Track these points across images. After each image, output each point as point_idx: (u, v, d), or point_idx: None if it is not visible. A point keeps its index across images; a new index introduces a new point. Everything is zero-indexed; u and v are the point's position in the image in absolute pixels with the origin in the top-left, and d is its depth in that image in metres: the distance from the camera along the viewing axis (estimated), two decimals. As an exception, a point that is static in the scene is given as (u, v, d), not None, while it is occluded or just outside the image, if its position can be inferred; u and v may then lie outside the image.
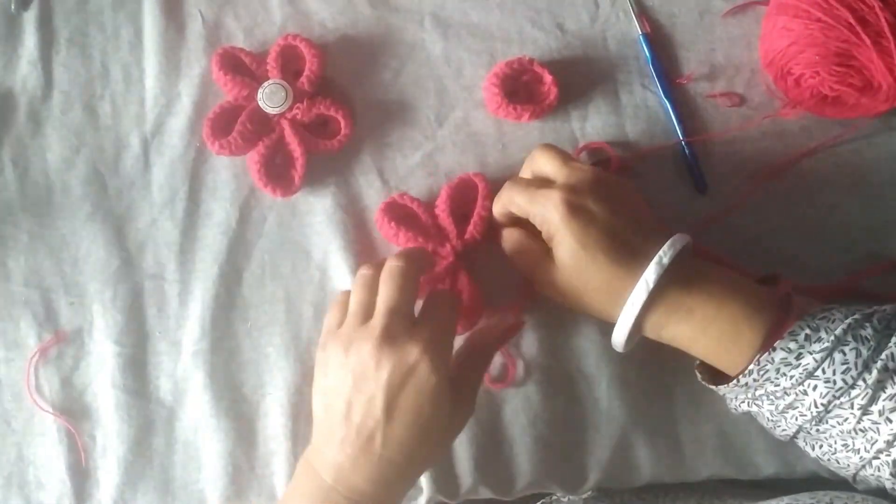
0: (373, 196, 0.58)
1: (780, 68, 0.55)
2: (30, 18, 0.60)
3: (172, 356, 0.56)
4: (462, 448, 0.54)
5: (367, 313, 0.47)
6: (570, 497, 0.56)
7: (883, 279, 0.56)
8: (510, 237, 0.52)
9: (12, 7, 0.60)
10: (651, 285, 0.45)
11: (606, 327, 0.55)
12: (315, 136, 0.57)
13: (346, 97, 0.60)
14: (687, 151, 0.58)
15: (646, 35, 0.60)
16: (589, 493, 0.55)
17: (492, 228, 0.55)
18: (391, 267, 0.47)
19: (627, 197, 0.49)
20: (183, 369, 0.56)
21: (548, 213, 0.47)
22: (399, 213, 0.56)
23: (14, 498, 0.54)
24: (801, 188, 0.58)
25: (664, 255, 0.45)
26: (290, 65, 0.59)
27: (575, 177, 0.48)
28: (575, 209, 0.46)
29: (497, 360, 0.56)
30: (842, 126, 0.58)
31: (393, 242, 0.56)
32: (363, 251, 0.57)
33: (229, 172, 0.58)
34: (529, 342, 0.56)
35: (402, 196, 0.55)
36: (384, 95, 0.60)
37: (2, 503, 0.54)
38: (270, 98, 0.57)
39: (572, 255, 0.47)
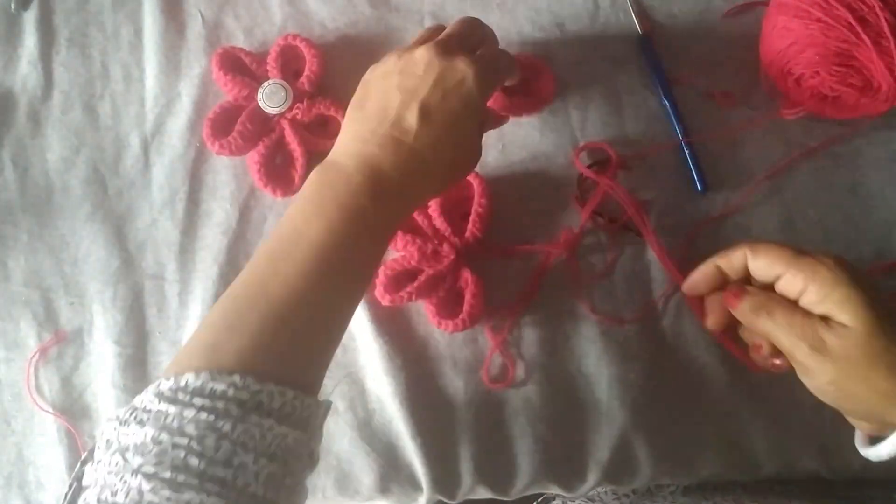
0: (373, 196, 0.58)
1: (780, 68, 0.55)
2: (30, 18, 0.60)
3: (172, 356, 0.56)
4: (462, 448, 0.54)
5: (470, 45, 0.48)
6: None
7: (883, 279, 0.56)
8: (766, 302, 0.44)
9: (12, 7, 0.60)
10: None
11: (606, 327, 0.55)
12: (315, 136, 0.57)
13: (346, 97, 0.59)
14: (687, 151, 0.58)
15: (646, 35, 0.60)
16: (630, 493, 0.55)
17: (491, 228, 0.55)
18: (469, 16, 0.50)
19: None
20: (183, 369, 0.56)
21: (819, 269, 0.41)
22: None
23: (14, 498, 0.54)
24: (801, 188, 0.58)
25: None
26: (290, 65, 0.59)
27: (831, 253, 0.42)
28: (854, 268, 0.41)
29: (496, 360, 0.56)
30: (842, 126, 0.58)
31: (392, 248, 0.56)
32: (363, 251, 0.57)
33: (229, 172, 0.58)
34: (529, 342, 0.56)
35: None
36: (384, 95, 0.60)
37: (2, 503, 0.54)
38: (270, 98, 0.57)
39: (870, 316, 0.40)
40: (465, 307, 0.53)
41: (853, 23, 0.51)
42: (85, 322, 0.56)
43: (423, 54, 0.46)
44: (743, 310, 0.45)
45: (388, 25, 0.61)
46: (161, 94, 0.59)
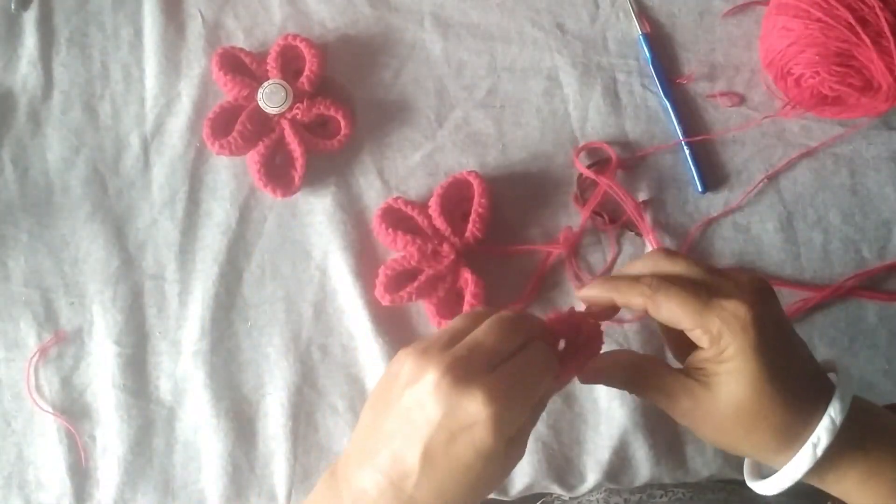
0: (373, 196, 0.58)
1: (780, 68, 0.55)
2: (30, 18, 0.60)
3: (172, 356, 0.56)
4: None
5: (459, 340, 0.39)
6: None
7: (883, 279, 0.56)
8: (643, 370, 0.41)
9: (12, 7, 0.60)
10: (824, 446, 0.38)
11: (606, 327, 0.55)
12: (315, 136, 0.57)
13: (346, 97, 0.60)
14: (687, 151, 0.58)
15: (646, 35, 0.60)
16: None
17: (491, 229, 0.55)
18: (507, 315, 0.39)
19: (786, 317, 0.41)
20: (183, 369, 0.56)
21: (728, 329, 0.37)
22: (395, 217, 0.56)
23: (14, 498, 0.54)
24: (801, 188, 0.58)
25: (843, 398, 0.38)
26: (290, 65, 0.59)
27: (751, 285, 0.39)
28: (764, 328, 0.38)
29: (497, 360, 0.56)
30: (842, 126, 0.58)
31: (392, 248, 0.56)
32: (363, 251, 0.57)
33: (229, 172, 0.58)
34: (529, 342, 0.56)
35: (396, 200, 0.55)
36: (384, 95, 0.60)
37: (2, 503, 0.54)
38: (270, 98, 0.57)
39: (755, 388, 0.37)
40: (465, 307, 0.53)
41: (853, 23, 0.51)
42: (85, 322, 0.56)
43: (431, 378, 0.36)
44: (612, 385, 0.43)
45: (388, 25, 0.61)
46: (161, 94, 0.59)
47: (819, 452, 0.38)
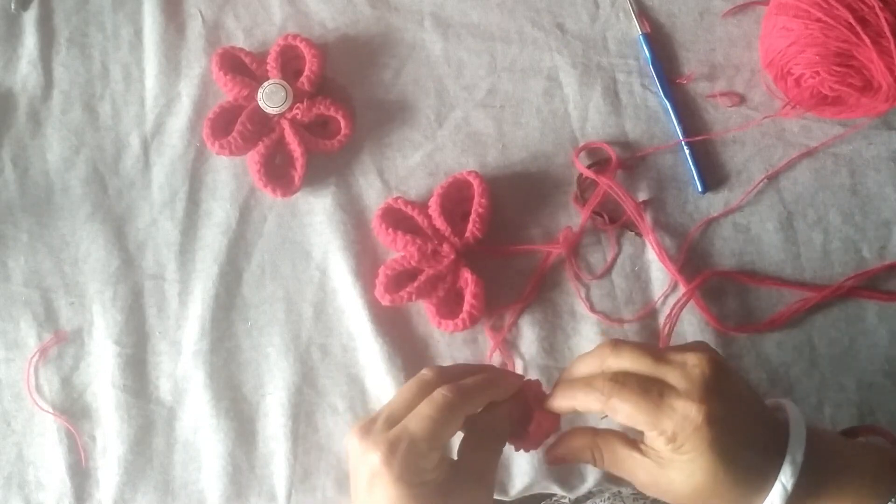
0: (373, 196, 0.58)
1: (780, 68, 0.55)
2: (30, 18, 0.60)
3: (172, 356, 0.56)
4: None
5: (401, 417, 0.42)
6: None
7: (883, 279, 0.56)
8: (602, 457, 0.43)
9: (12, 7, 0.60)
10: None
11: (606, 327, 0.56)
12: (315, 136, 0.57)
13: (346, 97, 0.60)
14: (687, 151, 0.58)
15: (646, 35, 0.60)
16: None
17: (491, 228, 0.55)
18: (442, 396, 0.41)
19: (739, 381, 0.42)
20: (183, 369, 0.56)
21: (682, 430, 0.39)
22: (395, 217, 0.56)
23: (14, 498, 0.54)
24: (801, 188, 0.58)
25: (794, 453, 0.40)
26: (290, 65, 0.59)
27: (698, 376, 0.40)
28: (718, 421, 0.39)
29: (496, 359, 0.56)
30: (842, 126, 0.58)
31: (392, 248, 0.56)
32: (363, 251, 0.57)
33: (229, 172, 0.58)
34: (529, 342, 0.56)
35: (396, 200, 0.55)
36: (384, 95, 0.60)
37: (2, 503, 0.54)
38: (270, 98, 0.57)
39: (710, 475, 0.39)
40: (465, 307, 0.53)
41: (853, 23, 0.51)
42: (85, 322, 0.56)
43: (349, 438, 0.42)
44: (567, 454, 0.45)
45: (388, 25, 0.61)
46: (161, 94, 0.59)
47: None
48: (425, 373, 0.44)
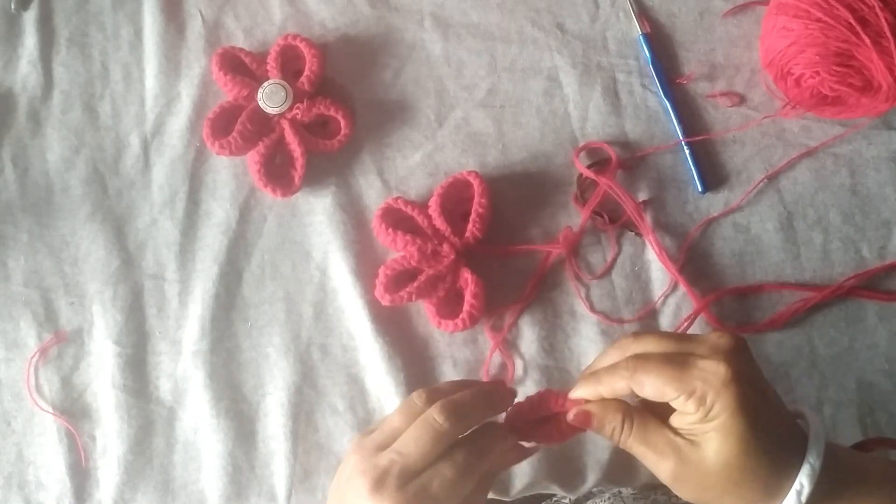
0: (373, 196, 0.58)
1: (780, 68, 0.55)
2: (30, 18, 0.60)
3: (172, 356, 0.56)
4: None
5: (417, 473, 0.41)
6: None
7: (883, 279, 0.56)
8: (633, 426, 0.42)
9: (12, 7, 0.60)
10: (807, 493, 0.39)
11: (606, 327, 0.56)
12: (315, 136, 0.57)
13: (346, 97, 0.60)
14: (687, 151, 0.58)
15: (646, 35, 0.60)
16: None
17: (491, 229, 0.55)
18: (431, 419, 0.41)
19: (759, 366, 0.42)
20: (183, 369, 0.56)
21: (711, 389, 0.38)
22: (395, 217, 0.56)
23: (14, 498, 0.54)
24: (801, 188, 0.58)
25: (817, 444, 0.40)
26: (290, 65, 0.59)
27: (725, 343, 0.40)
28: (746, 384, 0.39)
29: (496, 359, 0.56)
30: (842, 126, 0.58)
31: (392, 248, 0.56)
32: (363, 251, 0.57)
33: (229, 172, 0.58)
34: (529, 342, 0.56)
35: (396, 200, 0.55)
36: (384, 95, 0.60)
37: (2, 503, 0.54)
38: (270, 98, 0.57)
39: (743, 443, 0.38)
40: (465, 307, 0.53)
41: (853, 23, 0.51)
42: (85, 322, 0.56)
43: (360, 483, 0.41)
44: (598, 426, 0.43)
45: (388, 25, 0.61)
46: (161, 94, 0.59)
47: (803, 499, 0.38)
48: (435, 418, 0.42)
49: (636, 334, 0.43)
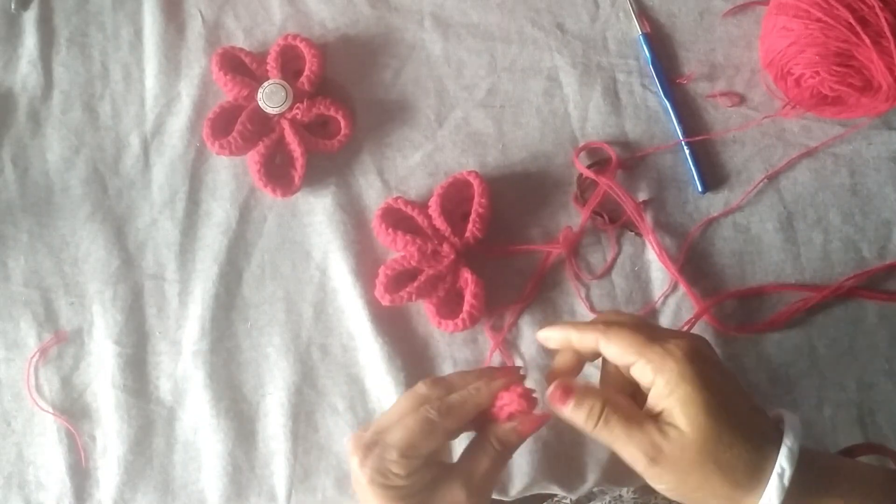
0: (373, 196, 0.58)
1: (780, 68, 0.55)
2: (30, 18, 0.60)
3: (172, 356, 0.56)
4: (461, 449, 0.54)
5: (388, 427, 0.44)
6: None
7: (883, 279, 0.56)
8: (600, 409, 0.42)
9: (12, 7, 0.60)
10: (789, 475, 0.39)
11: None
12: (315, 136, 0.57)
13: (346, 97, 0.60)
14: (687, 151, 0.58)
15: (646, 35, 0.60)
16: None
17: (491, 229, 0.55)
18: (425, 411, 0.43)
19: (725, 368, 0.43)
20: (183, 369, 0.56)
21: (667, 362, 0.40)
22: (395, 217, 0.56)
23: (14, 498, 0.54)
24: (801, 188, 0.58)
25: (792, 435, 0.40)
26: (290, 65, 0.59)
27: (685, 342, 0.41)
28: (702, 359, 0.40)
29: (496, 359, 0.56)
30: (842, 126, 0.58)
31: (392, 248, 0.56)
32: (363, 251, 0.57)
33: (229, 172, 0.58)
34: (528, 342, 0.56)
35: (396, 200, 0.55)
36: (384, 95, 0.60)
37: (2, 503, 0.54)
38: (270, 98, 0.57)
39: (711, 412, 0.39)
40: (465, 307, 0.53)
41: (853, 23, 0.51)
42: (85, 322, 0.56)
43: (347, 444, 0.45)
44: (575, 415, 0.42)
45: (388, 25, 0.61)
46: (161, 94, 0.59)
47: (786, 482, 0.38)
48: (419, 386, 0.45)
49: (618, 311, 0.45)
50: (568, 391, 0.43)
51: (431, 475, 0.43)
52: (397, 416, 0.44)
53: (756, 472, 0.39)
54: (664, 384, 0.40)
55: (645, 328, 0.42)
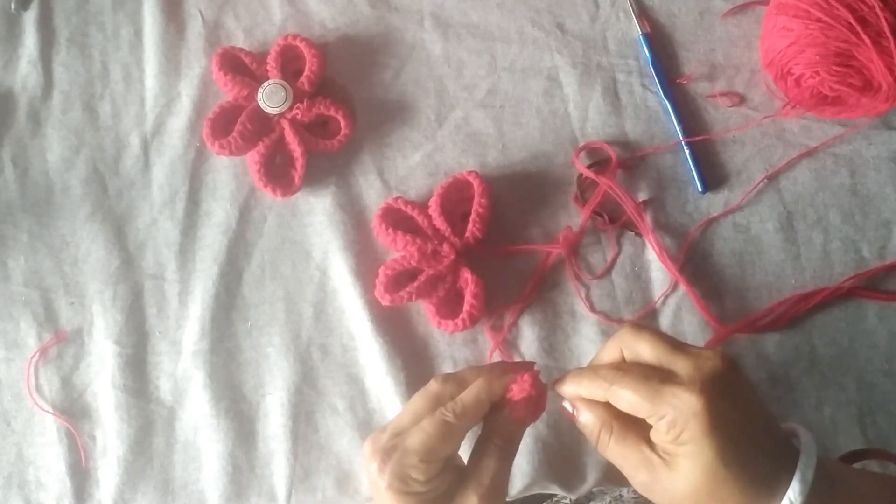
0: (373, 196, 0.58)
1: (780, 68, 0.55)
2: (30, 18, 0.60)
3: (172, 356, 0.56)
4: (461, 449, 0.54)
5: (405, 429, 0.43)
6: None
7: (883, 279, 0.56)
8: (611, 436, 0.43)
9: (12, 7, 0.60)
10: None
11: (606, 327, 0.56)
12: (315, 136, 0.57)
13: (346, 97, 0.60)
14: (687, 151, 0.58)
15: (646, 35, 0.60)
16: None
17: (491, 229, 0.55)
18: (441, 415, 0.43)
19: (749, 389, 0.42)
20: (183, 369, 0.56)
21: (681, 416, 0.39)
22: (395, 217, 0.56)
23: (14, 498, 0.54)
24: (801, 188, 0.58)
25: (805, 469, 0.39)
26: (290, 65, 0.59)
27: (707, 369, 0.40)
28: (718, 414, 0.39)
29: (496, 359, 0.56)
30: (842, 126, 0.58)
31: (392, 248, 0.56)
32: (363, 251, 0.57)
33: (229, 172, 0.58)
34: (529, 342, 0.56)
35: (396, 200, 0.55)
36: (384, 95, 0.60)
37: (2, 503, 0.54)
38: (270, 98, 0.57)
39: (710, 473, 0.39)
40: (465, 307, 0.53)
41: (853, 23, 0.51)
42: (85, 322, 0.56)
43: (364, 448, 0.44)
44: (581, 425, 0.44)
45: (388, 25, 0.61)
46: (161, 94, 0.59)
47: None
48: (431, 384, 0.45)
49: (636, 328, 0.43)
50: (571, 415, 0.44)
51: (448, 481, 0.43)
52: (412, 417, 0.43)
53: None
54: (674, 438, 0.40)
55: (653, 375, 0.41)
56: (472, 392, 0.44)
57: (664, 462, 0.40)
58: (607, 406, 0.43)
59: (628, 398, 0.41)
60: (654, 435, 0.41)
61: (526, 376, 0.45)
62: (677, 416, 0.39)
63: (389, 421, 0.45)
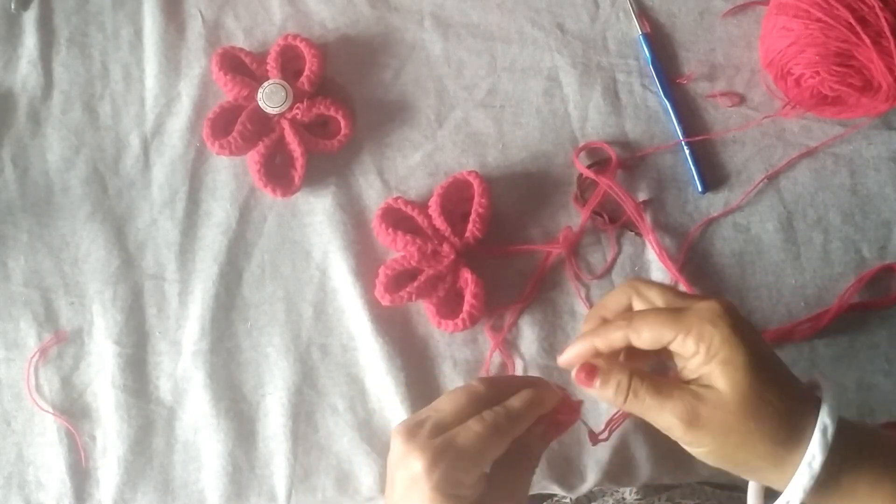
0: (373, 196, 0.58)
1: (780, 68, 0.55)
2: (30, 18, 0.60)
3: (172, 356, 0.56)
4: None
5: (448, 426, 0.42)
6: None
7: (883, 279, 0.56)
8: (628, 383, 0.41)
9: (12, 7, 0.60)
10: (832, 431, 0.38)
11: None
12: (315, 136, 0.57)
13: (346, 97, 0.60)
14: (687, 151, 0.58)
15: (646, 35, 0.60)
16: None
17: (491, 229, 0.55)
18: (469, 384, 0.43)
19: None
20: (183, 369, 0.56)
21: (708, 324, 0.39)
22: (395, 217, 0.56)
23: (14, 498, 0.54)
24: (801, 188, 0.58)
25: (832, 394, 0.39)
26: (290, 65, 0.59)
27: (717, 300, 0.40)
28: (741, 319, 0.39)
29: (496, 359, 0.56)
30: (842, 126, 0.58)
31: (392, 248, 0.56)
32: (363, 251, 0.57)
33: (229, 172, 0.58)
34: (528, 342, 0.56)
35: (396, 200, 0.55)
36: (384, 95, 0.60)
37: (2, 503, 0.54)
38: (270, 98, 0.57)
39: (752, 371, 0.38)
40: (465, 307, 0.53)
41: (853, 23, 0.51)
42: (85, 322, 0.56)
43: (393, 438, 0.42)
44: (603, 392, 0.42)
45: (388, 25, 0.61)
46: (161, 94, 0.59)
47: (829, 438, 0.37)
48: (476, 385, 0.44)
49: (645, 279, 0.44)
50: (592, 371, 0.42)
51: (480, 489, 0.42)
52: (455, 414, 0.42)
53: (798, 429, 0.38)
54: (706, 351, 0.39)
55: (671, 297, 0.42)
56: (523, 400, 0.43)
57: (704, 388, 0.39)
58: (627, 363, 0.43)
59: (650, 327, 0.40)
60: (682, 362, 0.40)
61: (576, 403, 0.45)
62: (704, 325, 0.39)
63: (420, 412, 0.43)
